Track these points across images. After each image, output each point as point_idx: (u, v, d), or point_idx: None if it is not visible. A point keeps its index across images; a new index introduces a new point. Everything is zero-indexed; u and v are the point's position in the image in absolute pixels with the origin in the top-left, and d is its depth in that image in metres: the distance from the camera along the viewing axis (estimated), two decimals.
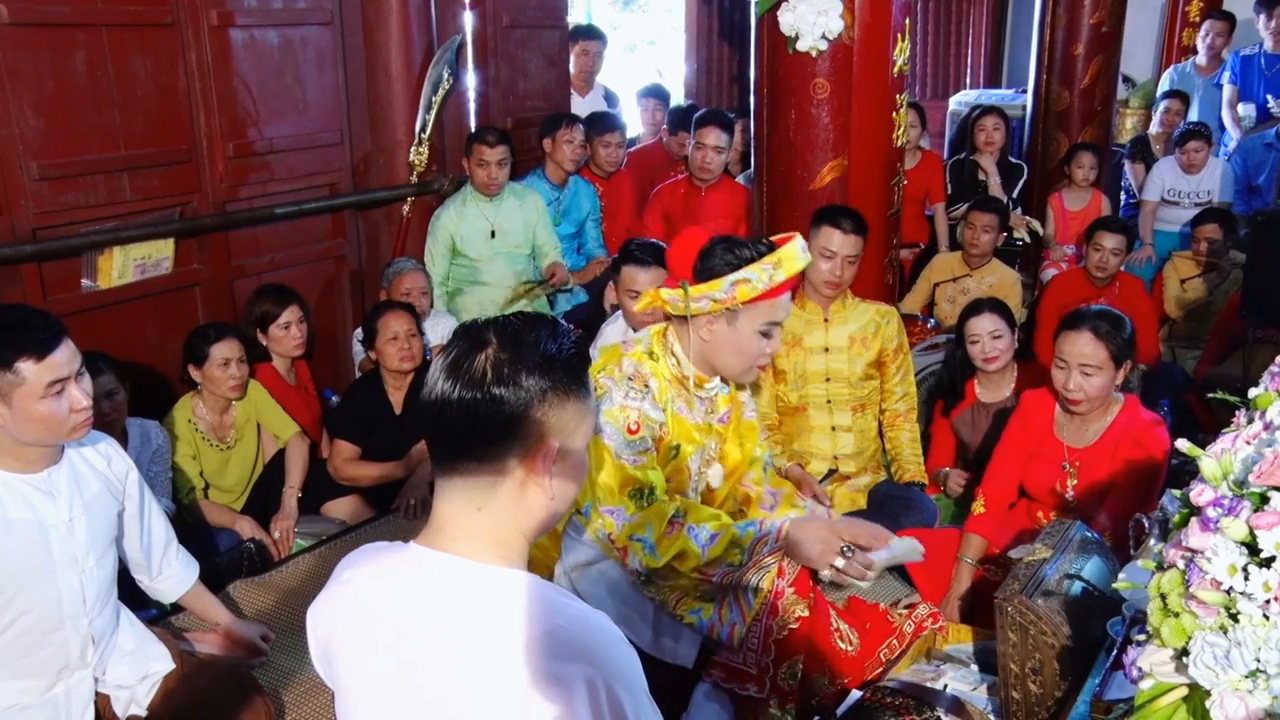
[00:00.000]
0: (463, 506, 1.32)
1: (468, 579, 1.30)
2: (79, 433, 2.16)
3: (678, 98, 7.15)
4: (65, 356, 2.09)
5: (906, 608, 2.87)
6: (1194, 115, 6.63)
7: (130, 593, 2.56)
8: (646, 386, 2.46)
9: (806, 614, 2.38)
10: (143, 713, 2.38)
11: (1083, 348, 2.86)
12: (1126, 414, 2.95)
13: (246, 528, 3.48)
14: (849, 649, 2.57)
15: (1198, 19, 7.74)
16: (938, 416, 3.86)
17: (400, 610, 1.31)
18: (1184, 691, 1.40)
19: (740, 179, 5.11)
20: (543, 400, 1.29)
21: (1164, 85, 7.11)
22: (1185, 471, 2.39)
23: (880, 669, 2.65)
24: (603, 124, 5.19)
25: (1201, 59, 6.94)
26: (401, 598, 1.32)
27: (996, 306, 3.72)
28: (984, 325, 3.64)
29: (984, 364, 3.65)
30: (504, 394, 1.27)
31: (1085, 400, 2.89)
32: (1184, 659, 1.36)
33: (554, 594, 1.32)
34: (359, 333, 4.12)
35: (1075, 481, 2.97)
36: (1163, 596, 1.40)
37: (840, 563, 2.28)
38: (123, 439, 3.19)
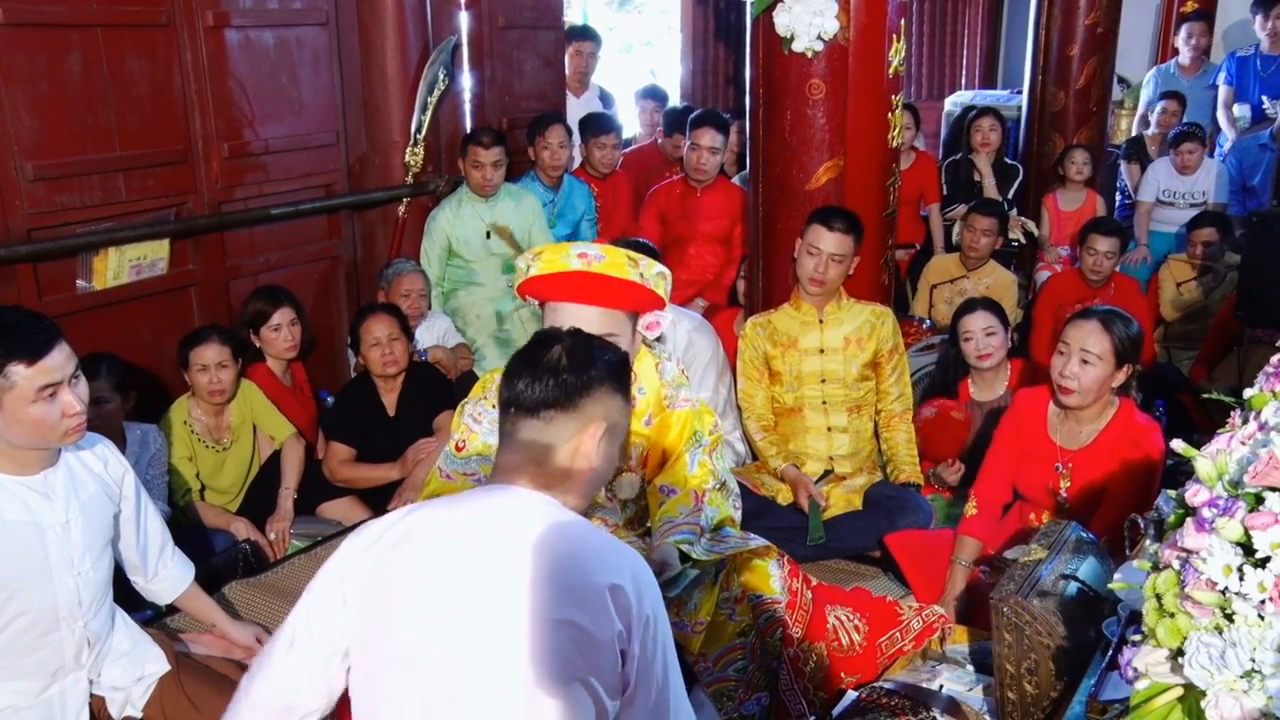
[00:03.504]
0: (525, 458, 1.64)
1: (529, 502, 1.62)
2: (71, 437, 2.15)
3: (674, 98, 7.14)
4: (58, 361, 2.07)
5: (916, 606, 2.86)
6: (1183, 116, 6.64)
7: (125, 594, 2.56)
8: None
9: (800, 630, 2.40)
10: (138, 714, 2.38)
11: (1088, 335, 2.83)
12: (1122, 417, 2.92)
13: (242, 529, 3.48)
14: (854, 638, 2.57)
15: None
16: None
17: (478, 531, 1.59)
18: (1179, 692, 1.40)
19: (736, 180, 5.10)
20: (599, 387, 1.66)
21: (1148, 86, 7.11)
22: (1180, 472, 2.39)
23: (882, 663, 2.66)
24: (598, 125, 5.19)
25: (1185, 59, 6.95)
26: (479, 521, 1.61)
27: (990, 304, 3.73)
28: (977, 322, 3.65)
29: (977, 361, 3.65)
30: (571, 380, 1.64)
31: (1078, 391, 2.84)
32: (1179, 659, 1.36)
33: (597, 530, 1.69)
34: None
35: (1069, 483, 2.95)
36: (1158, 597, 1.40)
37: None
38: (120, 444, 3.18)
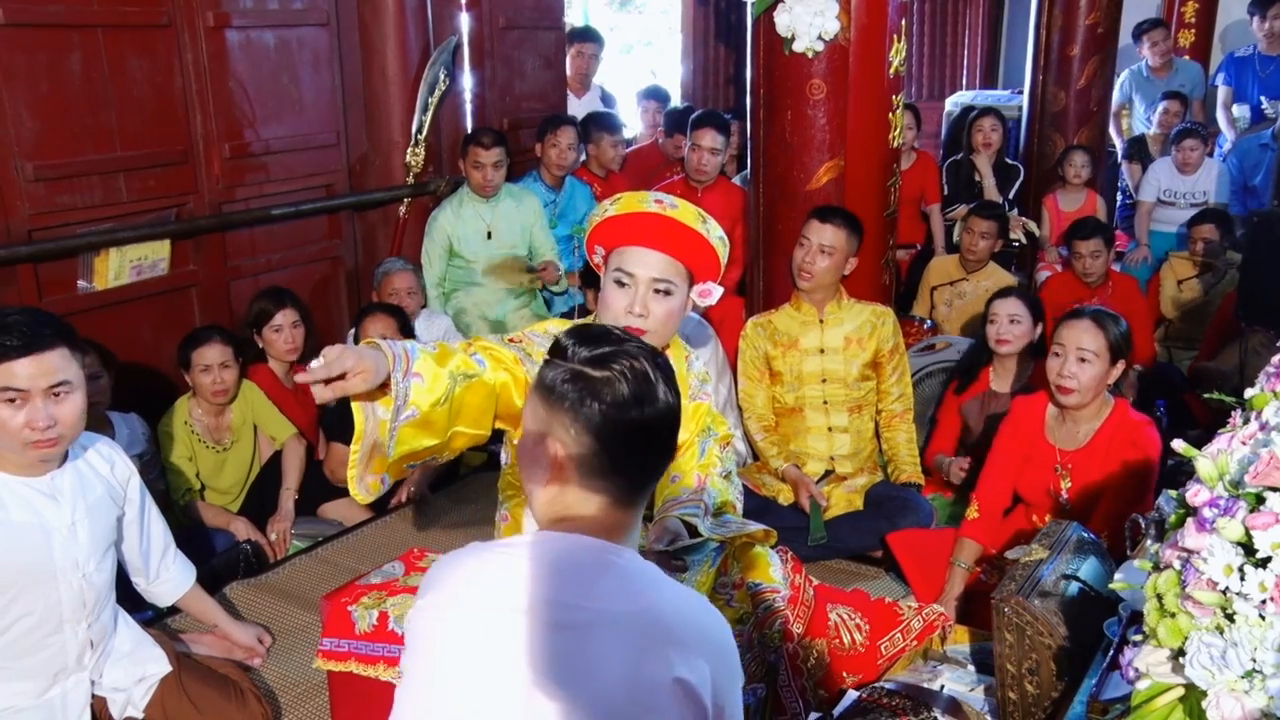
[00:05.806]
0: (637, 514, 1.41)
1: (594, 552, 1.36)
2: (34, 451, 2.09)
3: (675, 99, 7.15)
4: (26, 370, 2.03)
5: (915, 605, 2.86)
6: (1154, 116, 6.65)
7: (126, 594, 2.56)
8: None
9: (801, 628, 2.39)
10: (139, 715, 2.38)
11: (1081, 334, 2.88)
12: (1117, 415, 2.95)
13: (242, 529, 3.48)
14: (855, 637, 2.57)
15: (1193, 20, 7.76)
16: (949, 396, 3.83)
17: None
18: (1180, 692, 1.40)
19: (736, 180, 5.11)
20: (679, 413, 1.42)
21: (1121, 89, 7.11)
22: (1181, 472, 2.39)
23: (883, 664, 2.65)
24: (606, 123, 5.29)
25: (1154, 61, 6.96)
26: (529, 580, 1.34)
27: (1024, 295, 3.75)
28: (1006, 308, 3.66)
29: (996, 344, 3.66)
30: (667, 445, 1.42)
31: (1077, 390, 2.87)
32: (1180, 659, 1.36)
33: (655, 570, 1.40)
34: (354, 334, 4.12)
35: (1069, 484, 2.96)
36: (1159, 597, 1.40)
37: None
38: (108, 430, 3.17)
